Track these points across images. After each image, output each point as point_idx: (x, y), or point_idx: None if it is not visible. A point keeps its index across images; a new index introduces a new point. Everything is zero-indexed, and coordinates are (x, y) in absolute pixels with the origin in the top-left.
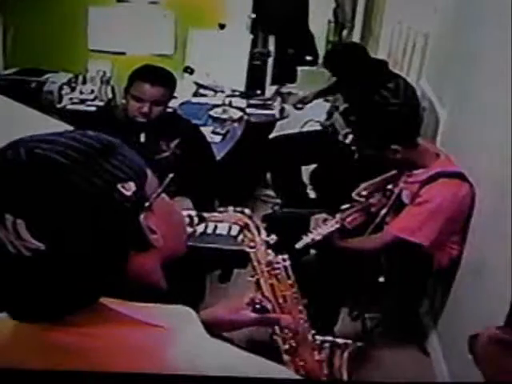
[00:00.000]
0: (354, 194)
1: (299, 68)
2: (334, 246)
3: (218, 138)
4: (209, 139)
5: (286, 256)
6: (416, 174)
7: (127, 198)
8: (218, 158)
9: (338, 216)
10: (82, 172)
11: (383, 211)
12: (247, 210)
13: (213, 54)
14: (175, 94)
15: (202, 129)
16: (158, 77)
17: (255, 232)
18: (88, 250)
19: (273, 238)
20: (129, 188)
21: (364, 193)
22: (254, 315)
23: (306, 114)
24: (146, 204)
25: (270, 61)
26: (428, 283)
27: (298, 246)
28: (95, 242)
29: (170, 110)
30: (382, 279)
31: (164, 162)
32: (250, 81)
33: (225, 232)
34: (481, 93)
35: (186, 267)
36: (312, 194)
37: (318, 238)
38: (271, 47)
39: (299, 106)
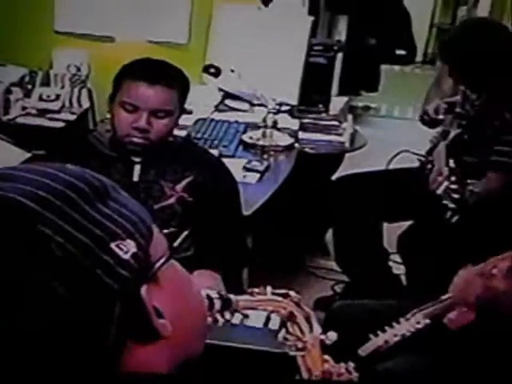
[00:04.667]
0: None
1: (383, 68)
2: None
3: (253, 178)
4: (239, 178)
5: (352, 365)
6: None
7: (124, 263)
8: (255, 206)
9: (430, 309)
10: (60, 223)
11: None
12: (293, 293)
13: (249, 46)
14: (190, 107)
15: (230, 162)
16: (158, 73)
17: (305, 327)
18: (65, 339)
19: (332, 335)
20: (127, 249)
21: (495, 271)
22: None
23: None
24: (150, 272)
25: (339, 57)
26: None
27: (363, 352)
28: (75, 327)
29: (179, 132)
30: None
31: (168, 213)
32: (307, 89)
33: (260, 324)
34: None
35: (196, 378)
36: (398, 270)
37: (395, 340)
38: (342, 35)
39: (440, 117)
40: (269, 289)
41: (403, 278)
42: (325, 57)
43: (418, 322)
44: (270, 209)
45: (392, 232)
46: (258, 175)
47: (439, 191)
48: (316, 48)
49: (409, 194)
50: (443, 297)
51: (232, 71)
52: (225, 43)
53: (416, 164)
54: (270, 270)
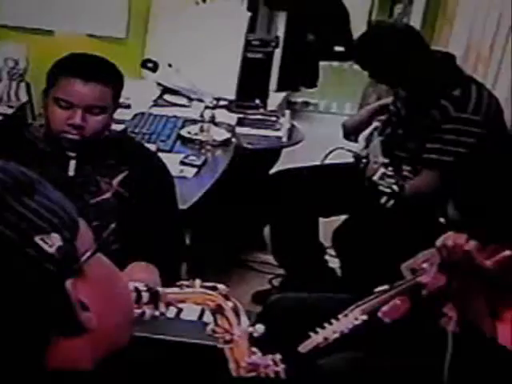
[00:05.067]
0: (404, 267)
1: (322, 64)
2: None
3: (190, 172)
4: (175, 173)
5: (278, 356)
6: None
7: (49, 257)
8: (192, 201)
9: (367, 304)
10: None
11: None
12: (221, 286)
13: (188, 41)
14: (128, 101)
15: (167, 156)
16: (93, 70)
17: (233, 319)
18: None
19: (259, 328)
20: (52, 242)
21: (425, 266)
22: None
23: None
24: (76, 266)
25: (278, 53)
26: None
27: (302, 349)
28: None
29: (117, 127)
30: None
31: (103, 207)
32: (245, 84)
33: (194, 317)
34: None
35: (129, 370)
36: (333, 263)
37: (334, 336)
38: (280, 31)
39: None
40: (197, 282)
41: (339, 271)
42: (262, 52)
43: (356, 319)
44: (207, 203)
45: (328, 226)
46: (195, 170)
47: (375, 177)
48: (254, 43)
49: (344, 189)
50: (376, 290)
51: (170, 66)
52: (163, 38)
53: (350, 160)
54: (207, 265)
